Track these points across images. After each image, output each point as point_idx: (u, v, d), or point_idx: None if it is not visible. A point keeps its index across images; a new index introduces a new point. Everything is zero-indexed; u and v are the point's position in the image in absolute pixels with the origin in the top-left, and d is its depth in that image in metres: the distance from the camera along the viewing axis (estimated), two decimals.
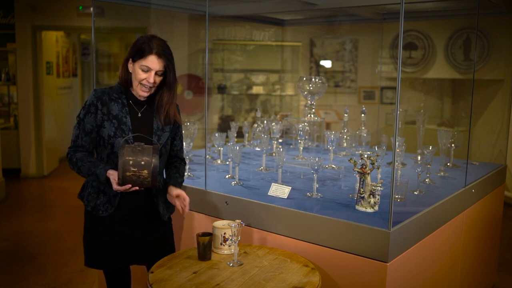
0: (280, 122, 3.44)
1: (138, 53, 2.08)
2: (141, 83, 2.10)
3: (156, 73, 2.09)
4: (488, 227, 3.29)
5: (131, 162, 1.96)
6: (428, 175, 2.86)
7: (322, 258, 2.15)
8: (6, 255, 4.21)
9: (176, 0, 3.66)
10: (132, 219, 2.21)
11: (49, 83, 7.52)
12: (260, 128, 3.70)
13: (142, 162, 1.97)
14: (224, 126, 6.63)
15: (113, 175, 2.04)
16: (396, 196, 2.45)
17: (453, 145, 3.18)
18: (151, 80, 2.09)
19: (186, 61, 6.88)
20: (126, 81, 2.16)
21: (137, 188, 2.03)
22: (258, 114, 3.80)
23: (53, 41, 7.77)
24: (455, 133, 3.16)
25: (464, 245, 2.84)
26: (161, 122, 2.21)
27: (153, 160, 1.98)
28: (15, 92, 7.35)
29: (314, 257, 2.16)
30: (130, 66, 2.13)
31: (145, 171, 1.97)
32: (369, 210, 2.23)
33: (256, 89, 6.91)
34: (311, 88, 3.08)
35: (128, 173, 1.96)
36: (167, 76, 2.14)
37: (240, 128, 3.76)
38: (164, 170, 2.36)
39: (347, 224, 2.07)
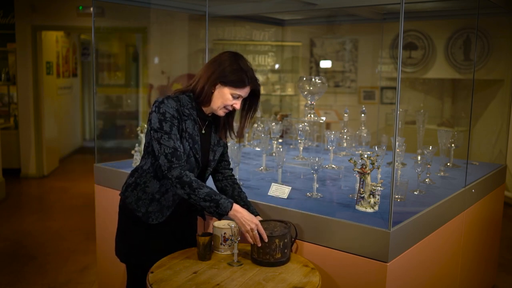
0: (280, 122, 3.44)
1: (234, 82, 2.01)
2: (225, 107, 2.07)
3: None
4: (488, 227, 3.29)
5: (281, 244, 2.02)
6: (428, 175, 2.86)
7: (322, 258, 2.15)
8: (6, 255, 4.21)
9: (176, 0, 3.67)
10: (176, 228, 2.22)
11: (49, 83, 7.52)
12: (260, 128, 3.70)
13: (286, 240, 2.04)
14: None
15: (242, 212, 2.00)
16: (396, 196, 2.45)
17: (453, 145, 3.18)
18: (238, 107, 2.07)
19: (186, 61, 6.87)
20: (205, 98, 2.06)
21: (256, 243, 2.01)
22: (258, 114, 3.80)
23: (53, 41, 7.77)
24: (455, 133, 3.16)
25: (464, 245, 2.84)
26: (221, 136, 2.19)
27: (281, 255, 2.03)
28: (15, 92, 7.35)
29: (314, 257, 2.16)
30: (216, 87, 2.05)
31: (275, 245, 2.01)
32: (369, 210, 2.23)
33: None
34: (311, 88, 3.07)
35: (277, 238, 2.01)
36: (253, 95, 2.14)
37: None
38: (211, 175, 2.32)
39: (347, 224, 2.07)
